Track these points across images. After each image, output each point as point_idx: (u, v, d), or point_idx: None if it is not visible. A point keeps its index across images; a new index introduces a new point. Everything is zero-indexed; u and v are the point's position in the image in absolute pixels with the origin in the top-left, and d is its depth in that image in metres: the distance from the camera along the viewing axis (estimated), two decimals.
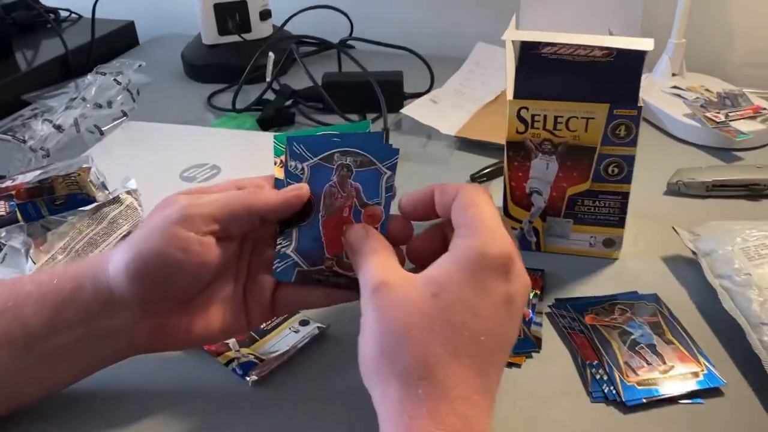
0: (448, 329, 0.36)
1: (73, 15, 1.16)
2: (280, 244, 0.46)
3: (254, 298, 0.46)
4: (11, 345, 0.42)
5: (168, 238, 0.41)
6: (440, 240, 0.44)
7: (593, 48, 0.50)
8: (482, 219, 0.39)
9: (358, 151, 0.44)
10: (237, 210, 0.43)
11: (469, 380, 0.36)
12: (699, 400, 0.46)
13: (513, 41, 0.54)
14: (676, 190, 0.68)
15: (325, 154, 0.44)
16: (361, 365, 0.38)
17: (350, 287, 0.44)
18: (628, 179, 0.56)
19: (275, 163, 0.46)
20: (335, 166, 0.44)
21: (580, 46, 0.50)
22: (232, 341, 0.51)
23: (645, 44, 0.48)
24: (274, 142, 0.46)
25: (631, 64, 0.51)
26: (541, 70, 0.53)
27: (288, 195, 0.44)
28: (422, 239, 0.45)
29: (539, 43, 0.51)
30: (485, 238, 0.38)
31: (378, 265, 0.40)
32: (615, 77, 0.52)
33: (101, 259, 0.44)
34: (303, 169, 0.45)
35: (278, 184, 0.46)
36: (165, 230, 0.41)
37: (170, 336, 0.44)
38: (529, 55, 0.52)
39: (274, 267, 0.45)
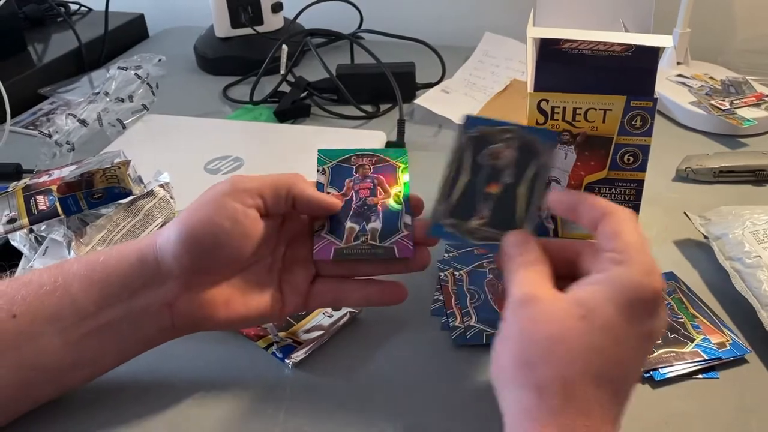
0: (593, 353, 0.36)
1: (82, 8, 1.17)
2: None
3: (289, 287, 0.49)
4: (61, 322, 0.44)
5: (218, 208, 0.45)
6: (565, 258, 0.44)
7: (613, 44, 0.52)
8: (638, 250, 0.38)
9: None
10: (281, 188, 0.47)
11: (605, 406, 0.36)
12: (715, 375, 0.49)
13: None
14: (684, 176, 0.71)
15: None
16: (494, 368, 0.39)
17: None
18: (643, 168, 0.58)
19: (318, 171, 0.52)
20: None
21: (600, 42, 0.52)
22: (270, 325, 0.54)
23: (664, 41, 0.50)
24: (318, 154, 0.53)
25: (648, 58, 0.54)
26: (560, 63, 0.55)
27: (325, 197, 0.49)
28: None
29: (560, 39, 0.53)
30: (641, 270, 0.38)
31: (529, 278, 0.40)
32: (632, 70, 0.54)
33: (148, 237, 0.47)
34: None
35: (319, 187, 0.51)
36: (215, 201, 0.45)
37: (210, 312, 0.46)
38: (550, 49, 0.55)
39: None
